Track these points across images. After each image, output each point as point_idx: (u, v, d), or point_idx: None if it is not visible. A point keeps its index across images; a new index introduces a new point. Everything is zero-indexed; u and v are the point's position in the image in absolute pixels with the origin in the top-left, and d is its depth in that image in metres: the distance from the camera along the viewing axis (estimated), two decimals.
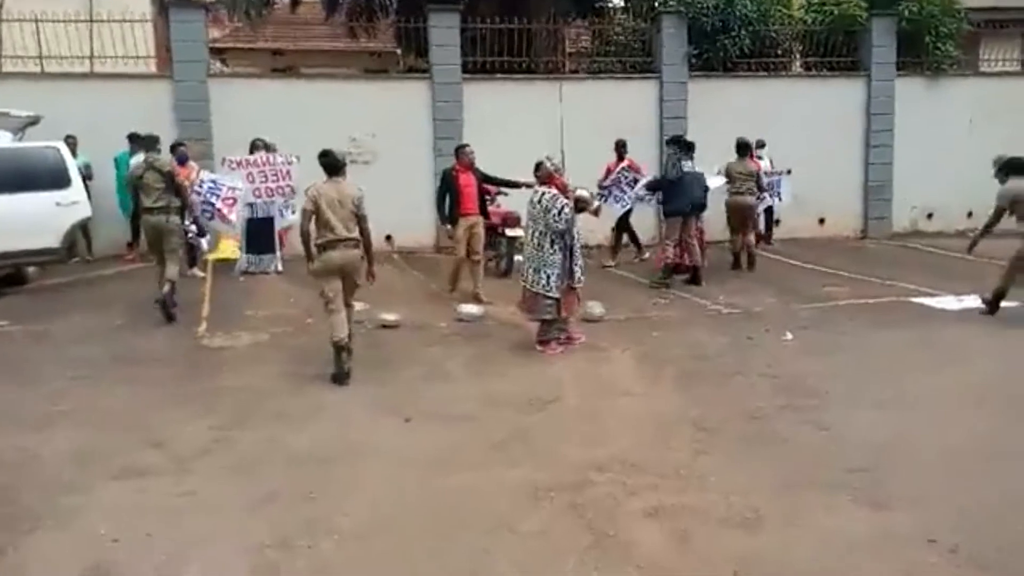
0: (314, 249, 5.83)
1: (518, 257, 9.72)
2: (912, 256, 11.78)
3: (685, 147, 9.50)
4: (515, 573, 3.32)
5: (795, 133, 12.53)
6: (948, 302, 8.26)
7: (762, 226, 12.31)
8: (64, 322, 7.58)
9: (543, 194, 6.66)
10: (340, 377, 5.83)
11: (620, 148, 10.82)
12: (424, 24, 12.34)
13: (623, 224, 11.03)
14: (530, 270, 6.67)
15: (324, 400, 5.50)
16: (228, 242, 10.60)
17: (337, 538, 3.58)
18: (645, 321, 7.79)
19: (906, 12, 13.30)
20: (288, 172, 9.97)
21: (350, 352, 5.94)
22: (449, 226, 8.70)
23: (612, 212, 10.57)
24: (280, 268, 10.00)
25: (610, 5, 15.72)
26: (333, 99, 11.76)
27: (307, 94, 11.87)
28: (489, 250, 10.45)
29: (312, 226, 5.82)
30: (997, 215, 7.75)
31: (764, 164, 11.72)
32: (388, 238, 12.15)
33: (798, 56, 14.31)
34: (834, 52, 13.52)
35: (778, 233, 12.61)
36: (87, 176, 10.32)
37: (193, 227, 8.90)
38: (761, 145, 11.82)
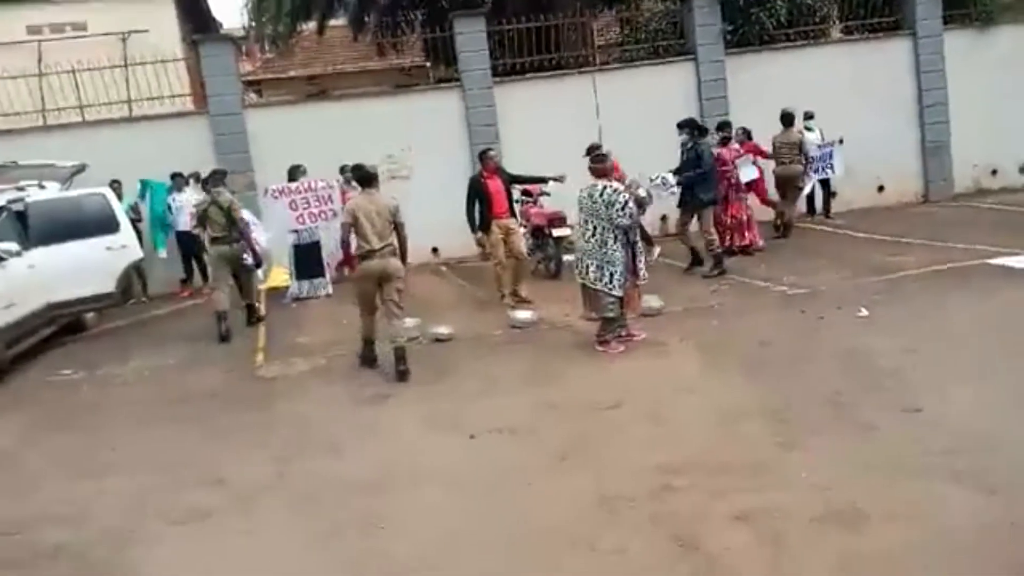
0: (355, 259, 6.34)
1: (567, 257, 9.52)
2: (980, 216, 11.18)
3: (701, 131, 9.25)
4: None
5: (842, 101, 12.02)
6: None
7: (819, 201, 11.90)
8: (122, 365, 7.63)
9: (604, 188, 6.33)
10: (368, 361, 6.55)
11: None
12: (450, 32, 12.23)
13: None
14: (591, 267, 6.38)
15: (385, 423, 5.36)
16: (278, 270, 10.64)
17: (406, 570, 3.41)
18: (705, 311, 7.48)
19: None
20: (329, 196, 9.96)
21: (403, 359, 6.25)
22: (480, 233, 8.52)
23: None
24: (330, 291, 9.97)
25: None
26: (366, 117, 11.72)
27: (340, 115, 11.84)
28: (537, 252, 10.28)
29: (352, 237, 6.26)
30: None
31: (815, 136, 11.35)
32: (434, 250, 12.06)
33: (836, 21, 13.77)
34: (875, 13, 12.96)
35: (836, 205, 12.10)
36: (136, 219, 10.50)
37: (250, 259, 8.96)
38: (809, 116, 11.44)
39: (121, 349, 8.36)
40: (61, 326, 9.01)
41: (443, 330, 7.42)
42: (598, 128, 10.45)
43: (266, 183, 10.40)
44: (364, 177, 6.47)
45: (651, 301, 7.41)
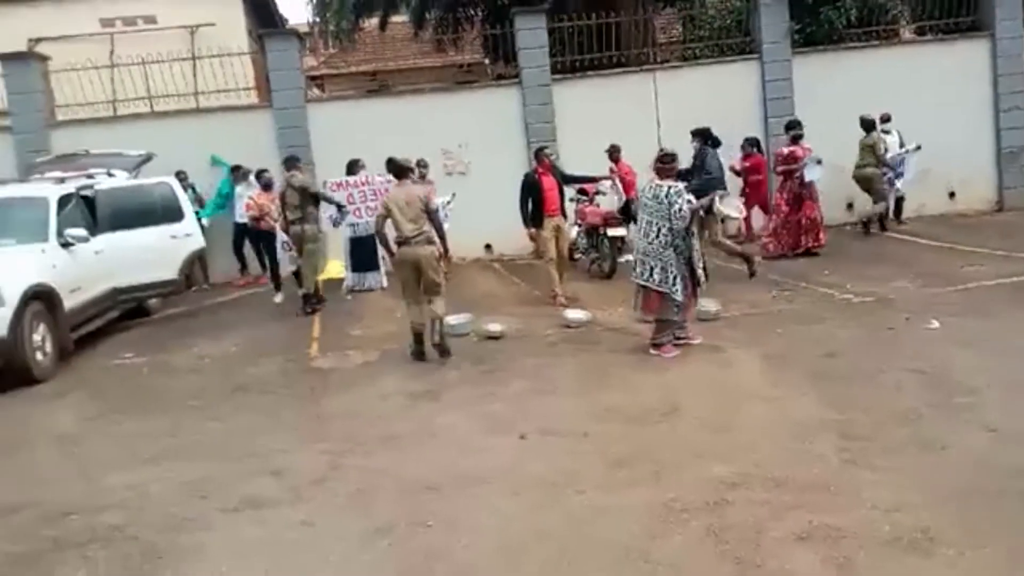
0: (393, 246, 6.73)
1: (624, 258, 9.39)
2: None
3: (714, 142, 9.14)
4: None
5: (913, 104, 11.60)
6: None
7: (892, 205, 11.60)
8: (182, 352, 7.79)
9: (668, 189, 6.19)
10: (418, 355, 6.70)
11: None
12: (510, 29, 12.17)
13: None
14: (655, 269, 6.21)
15: (435, 420, 5.33)
16: (334, 262, 10.75)
17: (458, 572, 3.36)
18: (766, 316, 7.27)
19: None
20: (387, 191, 9.97)
21: (447, 352, 6.67)
22: (532, 228, 8.53)
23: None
24: (385, 284, 10.03)
25: None
26: (424, 113, 11.77)
27: (399, 110, 11.91)
28: (591, 252, 10.16)
29: (390, 227, 6.68)
30: None
31: (893, 139, 11.09)
32: (488, 247, 12.03)
33: (908, 21, 13.28)
34: (950, 13, 12.45)
35: (905, 211, 11.69)
36: (198, 211, 10.72)
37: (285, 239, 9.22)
38: (886, 119, 11.11)
39: (183, 335, 8.55)
40: (125, 311, 9.27)
41: (495, 327, 7.38)
42: (656, 127, 10.26)
43: (325, 176, 10.50)
44: (398, 169, 6.94)
45: (708, 305, 7.23)
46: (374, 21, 17.41)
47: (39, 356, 7.05)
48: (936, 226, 11.01)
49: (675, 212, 6.07)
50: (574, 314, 7.63)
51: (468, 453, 4.67)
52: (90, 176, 9.11)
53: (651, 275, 6.23)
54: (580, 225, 10.47)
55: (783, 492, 3.79)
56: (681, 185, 6.33)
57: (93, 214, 8.65)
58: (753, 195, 11.01)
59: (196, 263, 10.15)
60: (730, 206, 6.02)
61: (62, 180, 8.81)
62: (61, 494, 4.47)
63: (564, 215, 8.94)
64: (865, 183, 10.87)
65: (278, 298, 9.87)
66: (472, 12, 16.30)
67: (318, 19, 18.20)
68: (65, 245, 7.84)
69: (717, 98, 11.56)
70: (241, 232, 11.07)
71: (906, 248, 9.97)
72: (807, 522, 3.47)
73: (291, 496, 4.25)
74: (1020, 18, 12.20)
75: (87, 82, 11.63)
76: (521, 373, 6.19)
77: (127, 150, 10.00)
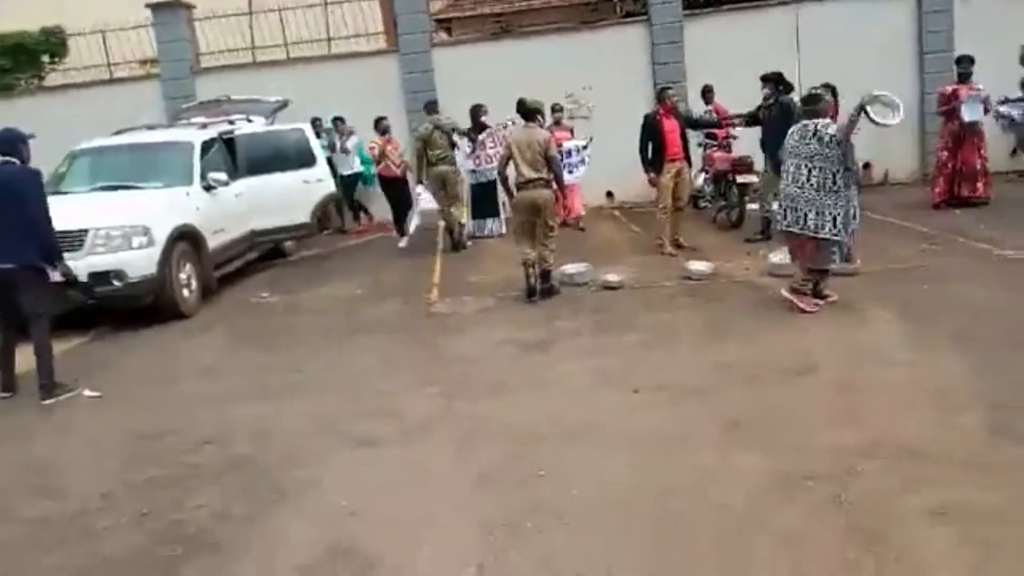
0: (513, 188, 6.88)
1: (751, 206, 8.92)
2: None
3: (787, 87, 8.31)
4: None
5: None
6: None
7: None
8: (312, 292, 8.16)
9: (816, 126, 5.77)
10: (530, 293, 6.80)
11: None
12: None
13: None
14: (808, 214, 5.79)
15: (549, 370, 5.30)
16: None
17: (567, 523, 3.33)
18: (912, 272, 6.72)
19: None
20: (506, 137, 9.91)
21: (547, 279, 6.86)
22: (652, 174, 8.19)
23: None
24: (504, 231, 10.05)
25: None
26: (549, 55, 11.51)
27: (523, 53, 11.71)
28: (718, 200, 9.73)
29: (511, 168, 6.83)
30: None
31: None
32: (609, 194, 11.78)
33: None
34: None
35: None
36: (329, 156, 11.05)
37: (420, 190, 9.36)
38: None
39: (315, 276, 8.94)
40: (263, 252, 9.78)
41: (613, 277, 7.23)
42: (797, 67, 9.55)
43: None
44: (527, 111, 6.93)
45: (698, 265, 7.10)
46: None
47: (185, 293, 7.57)
48: None
49: (829, 139, 5.66)
50: (696, 265, 7.34)
51: (580, 404, 4.62)
52: (231, 122, 9.55)
53: (805, 222, 5.84)
54: (707, 172, 10.02)
55: (919, 464, 3.50)
56: (828, 119, 5.88)
57: (233, 159, 9.09)
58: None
59: (330, 207, 10.54)
60: (884, 112, 5.41)
61: (205, 126, 9.30)
62: (201, 423, 4.80)
63: (688, 161, 8.56)
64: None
65: (403, 243, 10.14)
66: None
67: None
68: (208, 188, 8.28)
69: (868, 35, 10.65)
70: (351, 183, 11.35)
71: None
72: (944, 498, 3.19)
73: (402, 437, 4.36)
74: None
75: (228, 30, 12.14)
76: (638, 325, 6.04)
77: (264, 96, 10.41)
